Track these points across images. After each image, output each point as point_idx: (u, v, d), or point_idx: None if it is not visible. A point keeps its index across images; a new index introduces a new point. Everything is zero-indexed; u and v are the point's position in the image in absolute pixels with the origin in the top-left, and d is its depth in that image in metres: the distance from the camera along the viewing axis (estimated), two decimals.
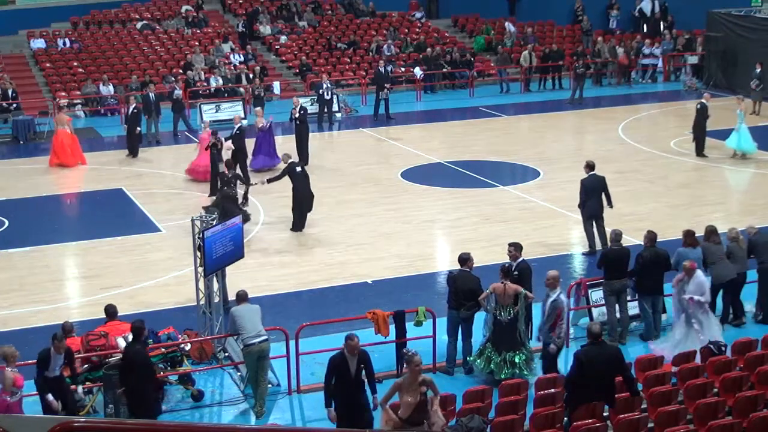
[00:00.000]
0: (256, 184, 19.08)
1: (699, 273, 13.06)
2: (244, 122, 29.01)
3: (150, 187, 22.24)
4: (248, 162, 22.62)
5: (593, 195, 17.23)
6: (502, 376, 12.27)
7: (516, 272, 13.07)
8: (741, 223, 16.92)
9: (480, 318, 13.00)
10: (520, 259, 13.34)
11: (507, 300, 12.43)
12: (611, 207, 17.39)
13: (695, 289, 12.88)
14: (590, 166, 17.48)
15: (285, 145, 24.14)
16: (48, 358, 11.19)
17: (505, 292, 12.44)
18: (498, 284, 12.55)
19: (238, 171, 18.49)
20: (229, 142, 21.60)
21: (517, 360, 12.45)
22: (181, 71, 32.51)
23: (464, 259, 13.12)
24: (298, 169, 18.91)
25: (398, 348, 12.98)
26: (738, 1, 34.52)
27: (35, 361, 12.41)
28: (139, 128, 25.10)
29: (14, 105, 29.52)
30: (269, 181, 19.08)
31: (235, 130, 21.97)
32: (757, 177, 22.65)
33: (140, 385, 11.19)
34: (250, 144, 23.07)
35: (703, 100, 23.98)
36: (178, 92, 28.16)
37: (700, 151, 23.84)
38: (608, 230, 15.42)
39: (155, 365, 12.37)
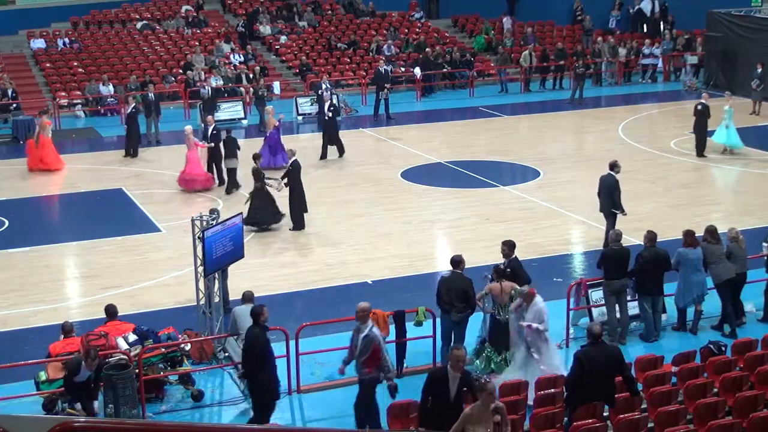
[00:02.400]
0: (275, 187, 19.00)
1: (538, 300, 12.32)
2: (245, 122, 29.28)
3: (150, 187, 22.24)
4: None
5: (601, 193, 17.39)
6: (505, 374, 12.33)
7: (509, 270, 13.11)
8: (741, 223, 16.97)
9: (473, 320, 13.02)
10: (513, 256, 13.36)
11: (504, 299, 12.49)
12: (622, 213, 17.26)
13: (533, 316, 12.20)
14: (609, 165, 17.56)
15: (315, 142, 24.51)
16: (77, 371, 11.19)
17: (502, 291, 12.49)
18: (494, 284, 12.60)
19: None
20: (204, 143, 22.14)
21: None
22: (181, 71, 32.52)
23: (457, 261, 13.03)
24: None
25: (398, 348, 13.00)
26: (738, 1, 34.53)
27: (37, 361, 12.47)
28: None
29: (14, 105, 29.50)
30: (286, 183, 18.99)
31: (211, 130, 22.09)
32: (757, 177, 22.64)
33: (260, 367, 11.36)
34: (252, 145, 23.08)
35: (703, 101, 23.99)
36: (205, 91, 28.11)
37: (700, 152, 23.85)
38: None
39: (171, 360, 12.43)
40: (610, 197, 17.25)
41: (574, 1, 39.29)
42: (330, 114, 24.62)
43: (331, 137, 24.52)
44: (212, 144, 21.95)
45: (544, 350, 12.19)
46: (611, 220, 17.21)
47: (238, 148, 21.51)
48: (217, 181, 21.89)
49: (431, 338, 13.13)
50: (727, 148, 24.01)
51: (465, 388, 9.72)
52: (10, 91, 29.70)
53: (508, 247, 13.43)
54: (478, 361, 12.73)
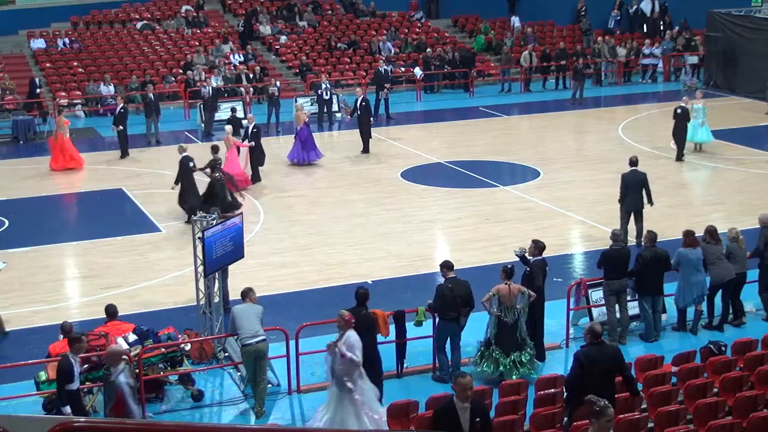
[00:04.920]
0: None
1: (351, 333, 11.27)
2: (245, 122, 29.16)
3: (150, 187, 22.25)
4: (293, 156, 23.68)
5: (631, 190, 17.34)
6: (514, 377, 12.22)
7: (528, 269, 13.09)
8: (741, 223, 16.95)
9: (473, 322, 12.98)
10: (539, 257, 13.25)
11: (512, 301, 12.40)
12: (651, 204, 17.45)
13: (346, 348, 11.28)
14: (632, 162, 17.59)
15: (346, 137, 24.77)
16: (70, 366, 10.85)
17: (510, 293, 12.42)
18: (502, 286, 12.50)
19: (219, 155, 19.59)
20: (240, 141, 22.14)
21: (524, 359, 12.51)
22: (181, 71, 32.51)
23: (451, 267, 12.87)
24: (191, 164, 19.37)
25: (398, 348, 12.98)
26: (738, 1, 34.53)
27: (37, 361, 12.46)
28: (121, 127, 24.76)
29: (37, 102, 29.68)
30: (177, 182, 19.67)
31: (251, 129, 22.04)
32: (756, 177, 22.62)
33: (370, 345, 11.64)
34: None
35: (682, 104, 23.87)
36: (206, 90, 28.10)
37: (680, 155, 23.70)
38: (611, 229, 15.41)
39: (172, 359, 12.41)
40: (640, 193, 17.30)
41: (577, 2, 39.25)
42: (359, 111, 24.99)
43: (361, 131, 25.06)
44: (252, 143, 21.89)
45: (358, 381, 11.34)
46: (641, 216, 17.27)
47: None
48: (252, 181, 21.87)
49: (431, 338, 13.12)
50: (697, 144, 24.11)
51: (478, 419, 8.79)
52: (37, 80, 30.05)
53: (535, 246, 13.30)
54: (485, 365, 12.60)
